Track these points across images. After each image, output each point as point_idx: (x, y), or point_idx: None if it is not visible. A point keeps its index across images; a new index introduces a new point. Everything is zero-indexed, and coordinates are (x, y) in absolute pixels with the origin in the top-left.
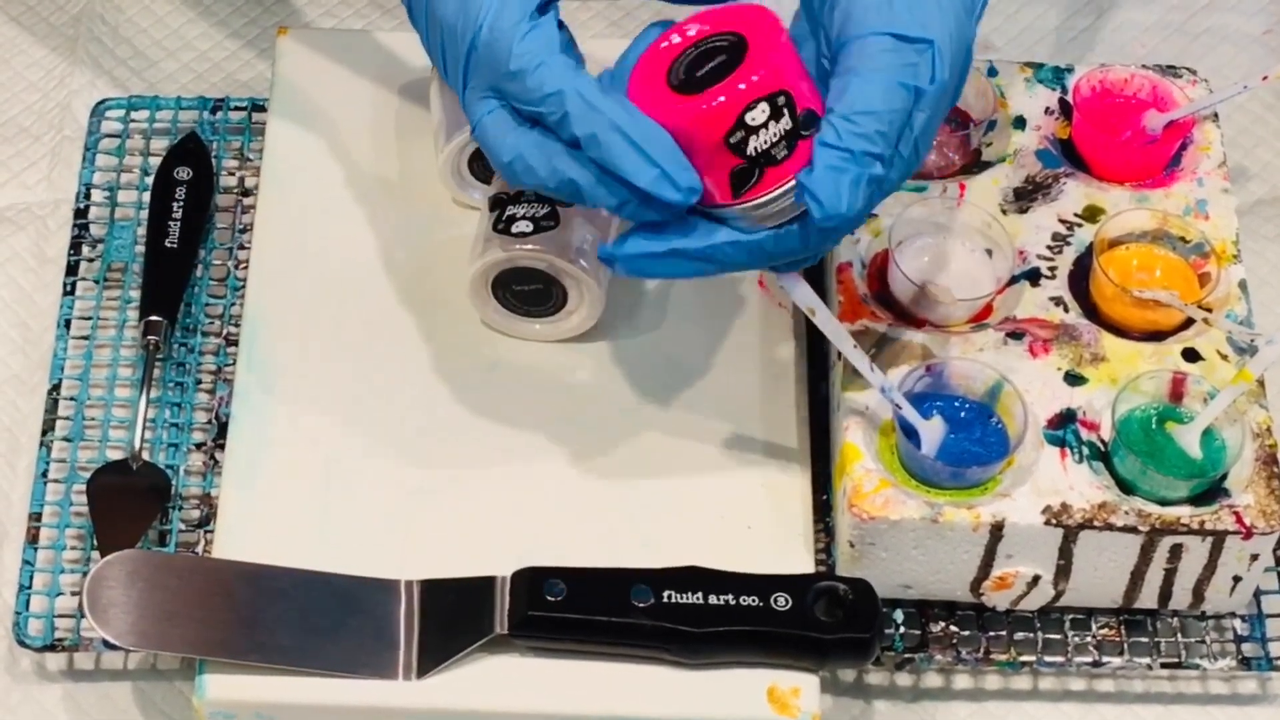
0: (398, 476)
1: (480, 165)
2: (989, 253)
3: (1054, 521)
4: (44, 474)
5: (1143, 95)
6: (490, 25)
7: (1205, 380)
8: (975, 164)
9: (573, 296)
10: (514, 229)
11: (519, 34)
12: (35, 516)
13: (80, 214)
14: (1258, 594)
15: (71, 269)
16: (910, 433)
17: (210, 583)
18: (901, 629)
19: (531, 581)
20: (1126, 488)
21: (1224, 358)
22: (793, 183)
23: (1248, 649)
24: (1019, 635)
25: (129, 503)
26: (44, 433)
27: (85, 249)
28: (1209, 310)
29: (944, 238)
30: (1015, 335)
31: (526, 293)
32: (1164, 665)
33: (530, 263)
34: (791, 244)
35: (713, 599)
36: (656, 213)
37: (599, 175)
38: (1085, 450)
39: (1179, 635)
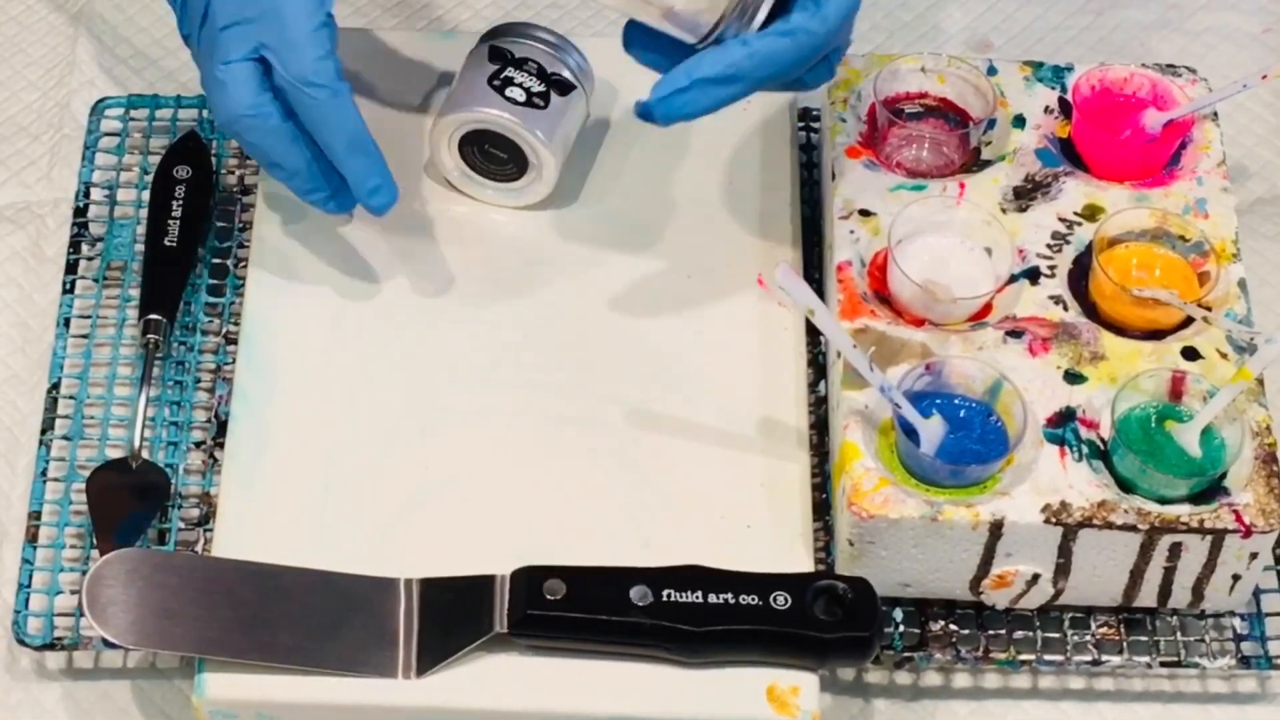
0: (398, 476)
1: (474, 152)
2: (988, 251)
3: (1053, 520)
4: (43, 473)
5: (1142, 94)
6: None
7: (1204, 379)
8: (975, 163)
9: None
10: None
11: (315, 21)
12: (35, 515)
13: (79, 213)
14: (1257, 592)
15: (71, 268)
16: (910, 431)
17: (210, 581)
18: (901, 627)
19: (531, 580)
20: (1126, 486)
21: (1223, 356)
22: None
23: (1247, 647)
24: (1018, 634)
25: (128, 501)
26: (43, 431)
27: (85, 248)
28: (1208, 309)
29: (944, 236)
30: (1015, 334)
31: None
32: (1163, 664)
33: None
34: (802, 32)
35: (712, 598)
36: (339, 208)
37: (311, 163)
38: (1085, 449)
39: (1178, 634)
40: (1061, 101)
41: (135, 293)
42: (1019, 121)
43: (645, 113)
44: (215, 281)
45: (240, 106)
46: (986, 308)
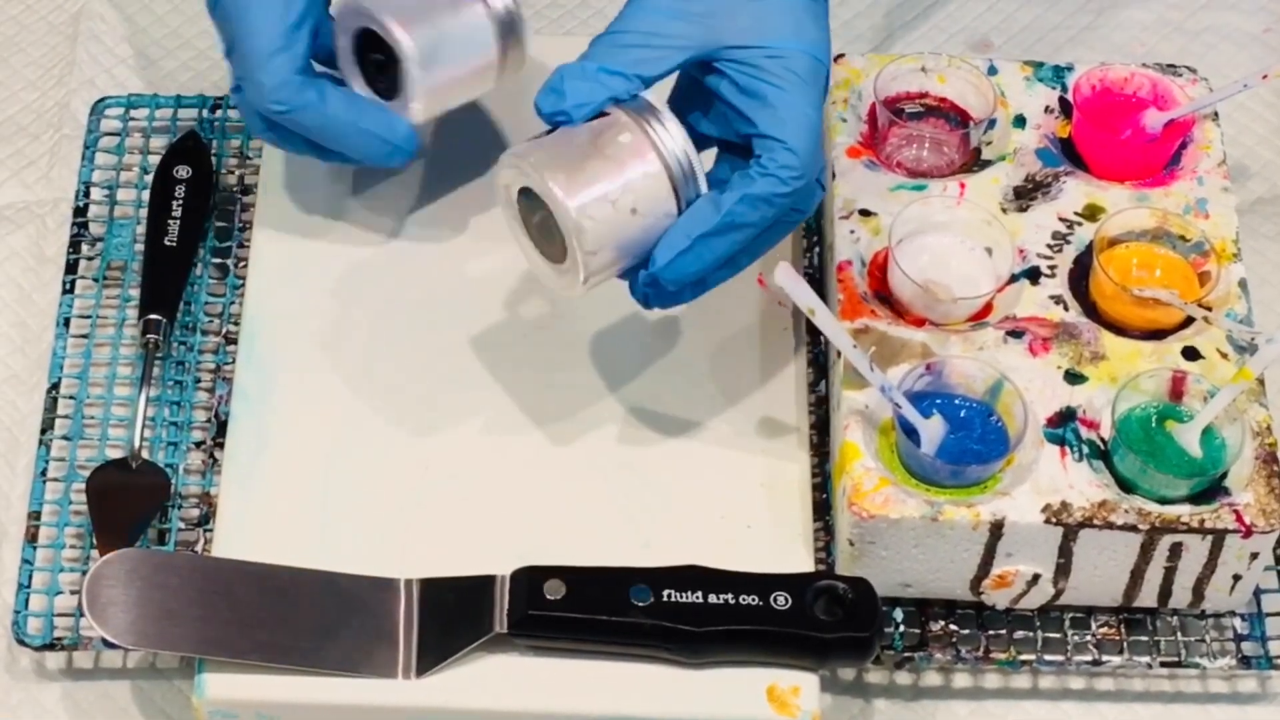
0: (397, 476)
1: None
2: (989, 251)
3: (1054, 520)
4: (43, 473)
5: (1143, 94)
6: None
7: (1205, 379)
8: (975, 163)
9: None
10: None
11: (272, 46)
12: (34, 515)
13: (79, 212)
14: (1257, 592)
15: (71, 267)
16: (910, 431)
17: (209, 581)
18: (901, 628)
19: (531, 581)
20: (1126, 486)
21: (1224, 356)
22: None
23: (1247, 648)
24: (1018, 634)
25: (128, 501)
26: (43, 431)
27: (84, 247)
28: (1209, 309)
29: (944, 236)
30: (1015, 334)
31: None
32: (1164, 664)
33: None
34: (785, 169)
35: (712, 598)
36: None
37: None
38: (1085, 449)
39: (1179, 634)
40: (1062, 101)
41: (135, 293)
42: (1019, 121)
43: (650, 284)
44: (215, 281)
45: (257, 131)
46: (987, 308)
